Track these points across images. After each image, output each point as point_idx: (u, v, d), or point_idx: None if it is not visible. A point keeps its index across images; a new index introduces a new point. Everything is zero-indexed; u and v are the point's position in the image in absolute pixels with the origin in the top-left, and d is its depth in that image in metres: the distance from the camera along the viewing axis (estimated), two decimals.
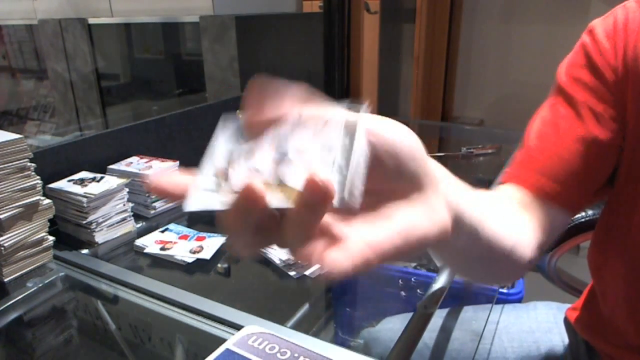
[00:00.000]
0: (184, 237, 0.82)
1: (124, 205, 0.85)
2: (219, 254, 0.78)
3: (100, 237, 0.82)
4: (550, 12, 1.92)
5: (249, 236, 0.28)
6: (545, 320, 0.76)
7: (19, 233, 0.71)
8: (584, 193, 0.53)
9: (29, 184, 0.71)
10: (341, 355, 0.53)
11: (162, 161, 0.96)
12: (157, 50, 1.79)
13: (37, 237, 0.73)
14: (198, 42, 1.41)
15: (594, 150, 0.51)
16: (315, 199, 0.24)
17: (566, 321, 0.73)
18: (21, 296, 0.68)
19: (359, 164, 0.27)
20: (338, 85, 1.81)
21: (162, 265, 0.77)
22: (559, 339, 0.73)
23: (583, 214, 1.03)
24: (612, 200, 0.58)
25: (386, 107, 2.41)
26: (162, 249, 0.79)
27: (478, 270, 0.49)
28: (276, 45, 1.50)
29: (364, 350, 0.75)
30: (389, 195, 0.30)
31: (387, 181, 0.29)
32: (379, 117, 0.30)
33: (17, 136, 0.70)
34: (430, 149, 1.52)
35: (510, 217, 0.48)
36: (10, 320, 0.65)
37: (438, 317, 0.69)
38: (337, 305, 0.88)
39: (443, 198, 0.31)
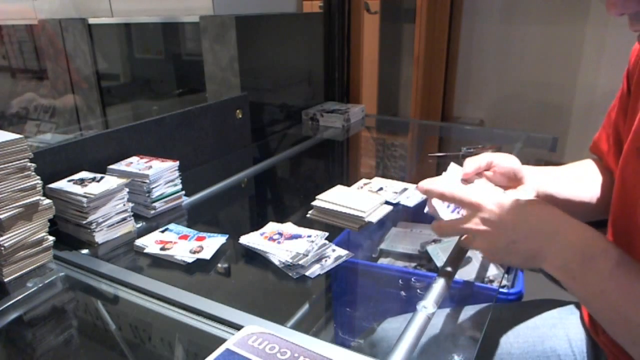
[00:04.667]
0: (184, 237, 0.82)
1: (124, 205, 0.85)
2: (219, 254, 0.78)
3: (100, 237, 0.82)
4: (550, 12, 1.92)
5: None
6: (549, 316, 0.76)
7: (19, 233, 0.71)
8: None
9: (29, 184, 0.71)
10: (341, 355, 0.53)
11: (162, 161, 0.96)
12: (157, 50, 1.79)
13: (37, 237, 0.73)
14: (198, 42, 1.41)
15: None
16: None
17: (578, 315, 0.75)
18: (21, 296, 0.68)
19: None
20: (338, 85, 1.81)
21: (162, 265, 0.77)
22: (563, 334, 0.73)
23: None
24: (616, 187, 0.64)
25: (386, 107, 2.41)
26: (162, 249, 0.79)
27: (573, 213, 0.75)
28: (276, 45, 1.50)
29: (364, 350, 0.75)
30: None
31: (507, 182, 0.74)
32: (502, 154, 0.75)
33: (17, 136, 0.70)
34: (430, 149, 1.52)
35: (586, 180, 0.77)
36: (10, 320, 0.65)
37: (438, 317, 0.69)
38: (337, 305, 0.88)
39: (531, 185, 0.73)
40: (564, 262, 0.55)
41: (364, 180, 1.06)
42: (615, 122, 0.73)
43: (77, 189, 0.81)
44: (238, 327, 0.57)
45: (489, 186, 0.75)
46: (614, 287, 0.52)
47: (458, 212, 0.70)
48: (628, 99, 0.68)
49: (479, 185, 0.74)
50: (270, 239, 0.80)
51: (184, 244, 0.80)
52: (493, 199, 0.61)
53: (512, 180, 0.74)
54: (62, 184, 0.83)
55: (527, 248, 0.58)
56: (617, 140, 0.73)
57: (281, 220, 0.87)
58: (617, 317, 0.52)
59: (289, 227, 0.84)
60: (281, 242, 0.79)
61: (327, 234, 0.80)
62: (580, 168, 0.81)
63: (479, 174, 0.76)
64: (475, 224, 0.61)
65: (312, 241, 0.77)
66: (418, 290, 0.80)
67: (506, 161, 0.74)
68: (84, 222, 0.80)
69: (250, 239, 0.80)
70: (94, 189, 0.81)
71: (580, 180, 0.78)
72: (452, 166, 0.76)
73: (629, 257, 0.53)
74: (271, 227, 0.85)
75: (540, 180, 0.75)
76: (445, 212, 0.69)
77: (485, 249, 0.62)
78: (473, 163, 0.74)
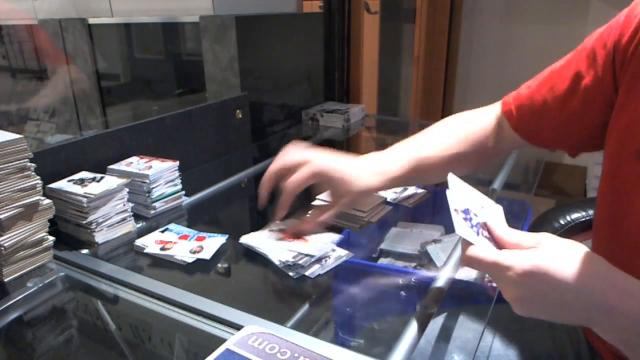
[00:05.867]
0: (184, 237, 0.82)
1: (124, 205, 0.85)
2: (219, 254, 0.78)
3: (100, 237, 0.82)
4: (550, 12, 1.92)
5: None
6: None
7: (19, 233, 0.71)
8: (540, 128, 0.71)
9: (29, 184, 0.71)
10: (341, 355, 0.53)
11: (162, 161, 0.96)
12: (157, 50, 1.79)
13: (37, 237, 0.73)
14: (198, 42, 1.41)
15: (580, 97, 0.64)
16: None
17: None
18: (21, 296, 0.68)
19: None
20: (338, 85, 1.81)
21: (162, 265, 0.77)
22: (562, 336, 0.73)
23: (583, 213, 1.03)
24: (605, 190, 0.61)
25: (386, 107, 2.41)
26: (162, 249, 0.79)
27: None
28: (276, 45, 1.50)
29: (364, 350, 0.75)
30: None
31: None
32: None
33: (17, 136, 0.70)
34: None
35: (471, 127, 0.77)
36: (10, 320, 0.65)
37: (438, 317, 0.69)
38: (337, 305, 0.88)
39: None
40: (621, 336, 0.49)
41: None
42: (581, 108, 0.65)
43: (77, 189, 0.81)
44: (238, 327, 0.57)
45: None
46: None
47: (478, 234, 0.56)
48: (613, 93, 0.61)
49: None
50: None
51: (184, 244, 0.80)
52: (533, 270, 0.48)
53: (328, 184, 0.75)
54: (62, 184, 0.83)
55: (574, 319, 0.50)
56: (558, 120, 0.67)
57: (281, 220, 0.87)
58: None
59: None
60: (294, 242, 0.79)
61: (339, 236, 0.80)
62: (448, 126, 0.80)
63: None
64: (512, 296, 0.50)
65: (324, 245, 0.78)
66: (418, 290, 0.80)
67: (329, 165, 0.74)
68: (84, 222, 0.80)
69: (252, 239, 0.80)
70: (94, 189, 0.81)
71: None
72: (451, 179, 0.63)
73: None
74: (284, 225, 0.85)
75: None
76: (468, 232, 0.55)
77: (525, 315, 0.52)
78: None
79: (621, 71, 0.59)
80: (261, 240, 0.80)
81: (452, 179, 0.62)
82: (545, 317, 0.50)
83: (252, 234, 0.82)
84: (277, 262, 0.75)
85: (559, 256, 0.48)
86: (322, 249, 0.76)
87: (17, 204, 0.70)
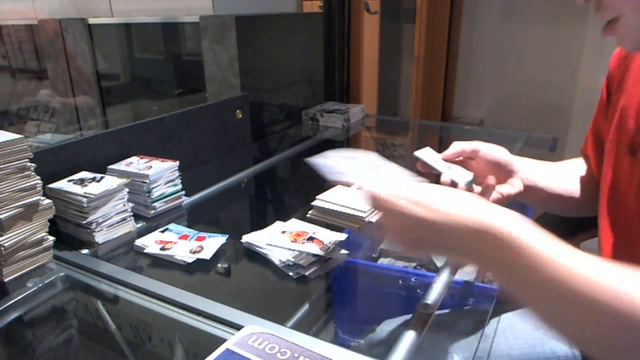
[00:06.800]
0: (184, 237, 0.82)
1: (124, 205, 0.85)
2: (219, 254, 0.78)
3: (100, 237, 0.82)
4: (550, 12, 1.92)
5: None
6: None
7: (19, 233, 0.71)
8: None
9: (29, 184, 0.71)
10: (341, 355, 0.53)
11: (162, 161, 0.96)
12: (157, 50, 1.79)
13: (37, 237, 0.73)
14: (198, 42, 1.41)
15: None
16: None
17: None
18: (21, 296, 0.68)
19: None
20: (338, 85, 1.81)
21: (162, 265, 0.77)
22: None
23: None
24: (606, 184, 0.65)
25: (386, 107, 2.41)
26: (162, 249, 0.79)
27: (557, 208, 0.81)
28: (276, 45, 1.50)
29: (364, 350, 0.75)
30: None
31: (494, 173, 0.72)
32: (492, 145, 0.73)
33: (17, 136, 0.70)
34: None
35: (577, 177, 0.78)
36: (10, 320, 0.65)
37: (438, 317, 0.69)
38: (337, 305, 0.88)
39: (519, 176, 0.72)
40: (495, 258, 0.48)
41: None
42: (595, 127, 0.74)
43: (77, 189, 0.81)
44: (238, 327, 0.58)
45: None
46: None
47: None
48: (607, 105, 0.69)
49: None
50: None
51: (184, 244, 0.80)
52: (404, 193, 0.53)
53: (499, 172, 0.72)
54: (62, 184, 0.83)
55: (451, 245, 0.52)
56: (598, 146, 0.73)
57: (281, 220, 0.87)
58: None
59: (307, 228, 0.84)
60: (304, 243, 0.79)
61: (344, 236, 0.80)
62: (573, 165, 0.81)
63: (464, 161, 0.75)
64: (387, 223, 0.56)
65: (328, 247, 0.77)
66: (418, 290, 0.80)
67: (493, 151, 0.72)
68: (84, 222, 0.80)
69: (255, 237, 0.80)
70: (94, 189, 0.81)
71: (573, 176, 0.78)
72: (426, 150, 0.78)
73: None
74: (290, 226, 0.85)
75: (531, 173, 0.74)
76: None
77: (409, 248, 0.57)
78: (457, 147, 0.74)
79: (611, 81, 0.68)
80: (264, 239, 0.80)
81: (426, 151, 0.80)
82: (426, 245, 0.53)
83: (254, 233, 0.82)
84: (277, 262, 0.74)
85: (442, 188, 0.57)
86: (330, 249, 0.76)
87: (17, 204, 0.70)
